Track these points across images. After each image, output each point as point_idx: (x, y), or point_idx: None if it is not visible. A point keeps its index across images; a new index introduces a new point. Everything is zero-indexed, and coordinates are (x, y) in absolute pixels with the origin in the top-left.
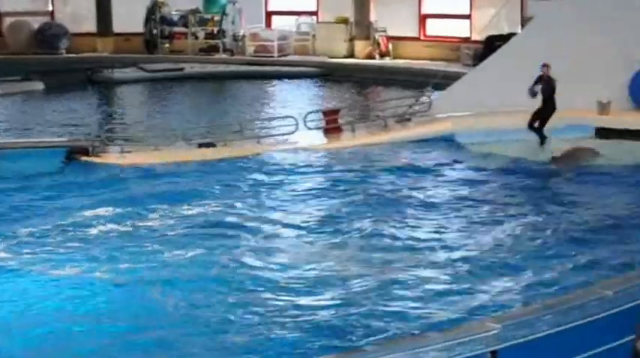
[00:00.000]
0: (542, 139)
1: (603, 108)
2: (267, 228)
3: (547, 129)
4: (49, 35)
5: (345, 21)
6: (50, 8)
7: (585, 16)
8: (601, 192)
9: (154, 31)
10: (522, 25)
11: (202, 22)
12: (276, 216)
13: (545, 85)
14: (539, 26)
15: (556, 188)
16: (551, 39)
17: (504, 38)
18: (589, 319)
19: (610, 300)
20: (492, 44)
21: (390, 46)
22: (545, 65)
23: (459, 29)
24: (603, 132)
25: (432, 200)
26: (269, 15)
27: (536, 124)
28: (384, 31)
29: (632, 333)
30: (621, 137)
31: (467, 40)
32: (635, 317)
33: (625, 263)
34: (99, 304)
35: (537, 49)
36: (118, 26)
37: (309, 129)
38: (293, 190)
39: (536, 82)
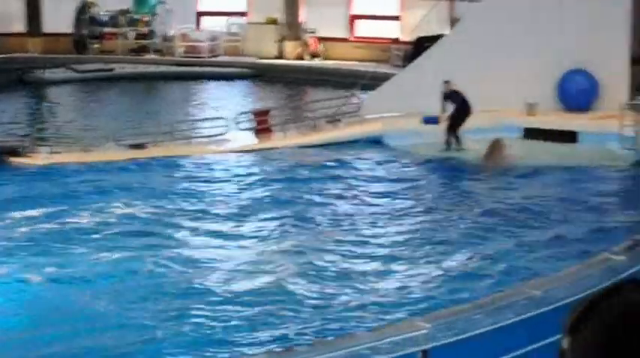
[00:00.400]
0: (449, 145)
1: (531, 109)
2: (196, 227)
3: (477, 128)
4: None
5: (275, 22)
6: None
7: (514, 18)
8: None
9: (84, 32)
10: (451, 26)
11: (132, 23)
12: (205, 215)
13: (454, 97)
14: (467, 27)
15: (479, 186)
16: (480, 40)
17: (433, 39)
18: (518, 318)
19: (538, 300)
20: (421, 45)
21: (320, 47)
22: (446, 82)
23: (388, 30)
24: (531, 133)
25: (359, 198)
26: (199, 16)
27: (450, 128)
28: (314, 32)
29: (560, 332)
30: (547, 138)
31: (396, 41)
32: (563, 315)
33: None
34: (25, 305)
35: (465, 50)
36: (47, 26)
37: (240, 130)
38: (223, 190)
39: (444, 100)
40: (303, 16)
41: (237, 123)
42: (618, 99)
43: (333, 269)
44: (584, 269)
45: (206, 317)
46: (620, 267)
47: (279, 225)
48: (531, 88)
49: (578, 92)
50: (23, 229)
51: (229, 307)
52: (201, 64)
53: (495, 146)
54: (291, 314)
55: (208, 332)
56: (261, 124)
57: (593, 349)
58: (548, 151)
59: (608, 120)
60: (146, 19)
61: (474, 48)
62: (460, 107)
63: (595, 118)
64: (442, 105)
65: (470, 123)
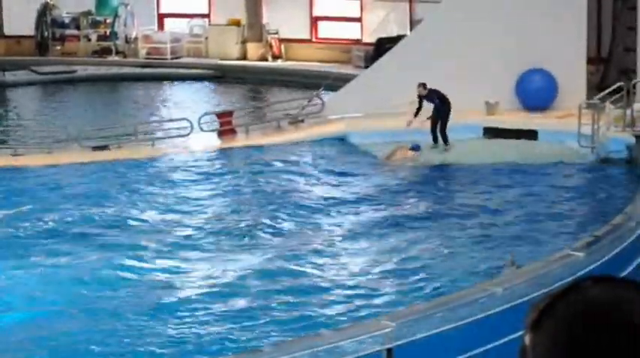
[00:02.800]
0: (435, 142)
1: (491, 108)
2: (159, 228)
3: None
4: None
5: (237, 23)
6: None
7: (473, 19)
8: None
9: (45, 34)
10: (411, 28)
11: (94, 25)
12: (167, 216)
13: (431, 97)
14: (427, 28)
15: (439, 184)
16: (440, 41)
17: (394, 40)
18: (480, 315)
19: (499, 297)
20: (382, 46)
21: (283, 48)
22: (420, 85)
23: (350, 32)
24: (491, 132)
25: (323, 197)
26: (161, 17)
27: (438, 128)
28: (276, 33)
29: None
30: (507, 136)
31: (358, 42)
32: (524, 312)
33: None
34: None
35: (426, 51)
36: (8, 29)
37: (203, 131)
38: (186, 191)
39: (420, 102)
40: (265, 17)
41: (201, 124)
42: (576, 98)
43: (298, 269)
44: (545, 265)
45: (175, 317)
46: (579, 263)
47: (244, 225)
48: (491, 87)
49: (536, 91)
50: None
51: (197, 306)
52: (163, 66)
53: (397, 150)
54: (255, 314)
55: (172, 337)
56: (225, 125)
57: (554, 345)
58: (508, 150)
59: (567, 119)
60: (108, 20)
61: (434, 49)
62: (440, 106)
63: (554, 117)
64: (419, 107)
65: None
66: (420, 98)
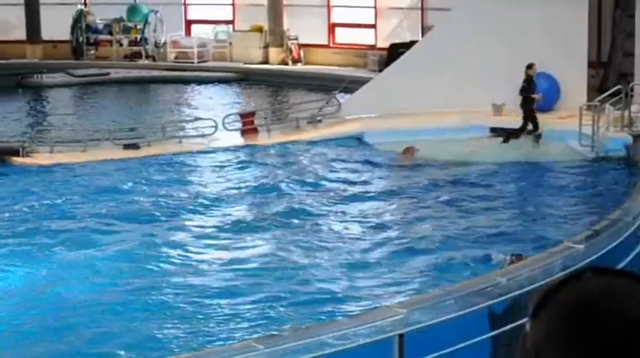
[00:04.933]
0: (538, 135)
1: (497, 109)
2: (188, 223)
3: (448, 128)
4: None
5: (259, 29)
6: None
7: (481, 26)
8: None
9: (80, 39)
10: (423, 34)
11: (126, 30)
12: (196, 211)
13: (530, 84)
14: (438, 35)
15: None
16: (450, 46)
17: (406, 46)
18: (487, 303)
19: (503, 286)
20: (396, 51)
21: (302, 53)
22: (529, 66)
23: (365, 37)
24: (497, 131)
25: (341, 192)
26: (188, 24)
27: (529, 124)
28: (296, 38)
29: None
30: (512, 136)
31: (372, 47)
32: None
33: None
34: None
35: (437, 56)
36: (46, 33)
37: (227, 130)
38: (210, 186)
39: (528, 84)
40: (286, 24)
41: (225, 123)
42: (577, 100)
43: (317, 260)
44: (546, 257)
45: (202, 305)
46: (579, 255)
47: (266, 216)
48: (498, 90)
49: (540, 93)
50: (27, 225)
51: (222, 294)
52: (190, 69)
53: (408, 149)
54: (275, 300)
55: (197, 323)
56: (247, 125)
57: (550, 333)
58: (514, 149)
59: (569, 120)
60: (139, 27)
61: (444, 54)
62: (527, 96)
63: (556, 118)
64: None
65: (442, 123)
66: (531, 78)
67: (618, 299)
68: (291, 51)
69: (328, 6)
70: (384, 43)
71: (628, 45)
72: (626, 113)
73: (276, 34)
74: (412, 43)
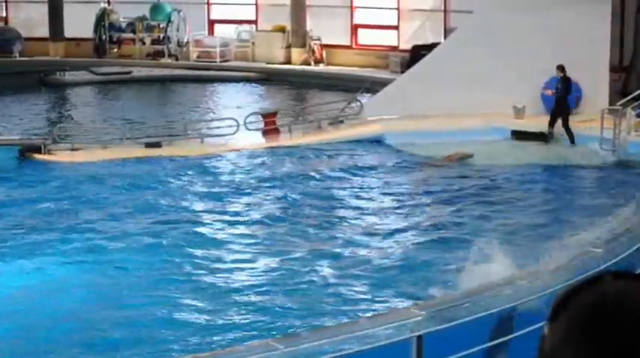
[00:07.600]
0: (571, 137)
1: (518, 112)
2: (209, 222)
3: (469, 130)
4: (2, 40)
5: (282, 29)
6: (4, 14)
7: (503, 29)
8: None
9: (103, 37)
10: (445, 36)
11: (149, 29)
12: (217, 210)
13: (562, 86)
14: (460, 36)
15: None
16: (472, 48)
17: (429, 47)
18: (505, 306)
19: (523, 289)
20: (418, 53)
21: (324, 54)
22: (559, 67)
23: (387, 39)
24: (518, 134)
25: (360, 193)
26: (211, 23)
27: (561, 125)
28: (319, 39)
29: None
30: (534, 139)
31: (395, 48)
32: (547, 304)
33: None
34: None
35: (459, 58)
36: (69, 31)
37: (249, 130)
38: (233, 187)
39: (557, 86)
40: (308, 24)
41: (247, 123)
42: (599, 104)
43: (336, 261)
44: (566, 261)
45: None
46: (598, 258)
47: (287, 216)
48: (519, 93)
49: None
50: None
51: (244, 292)
52: (213, 69)
53: (456, 154)
54: (298, 300)
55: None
56: (269, 125)
57: (568, 335)
58: (534, 151)
59: (590, 124)
60: (162, 25)
61: (466, 56)
62: (561, 98)
63: (577, 122)
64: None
65: (463, 125)
66: (561, 82)
67: (636, 303)
68: (313, 51)
69: (351, 7)
70: (406, 45)
71: None
72: None
73: (298, 35)
74: (434, 44)
